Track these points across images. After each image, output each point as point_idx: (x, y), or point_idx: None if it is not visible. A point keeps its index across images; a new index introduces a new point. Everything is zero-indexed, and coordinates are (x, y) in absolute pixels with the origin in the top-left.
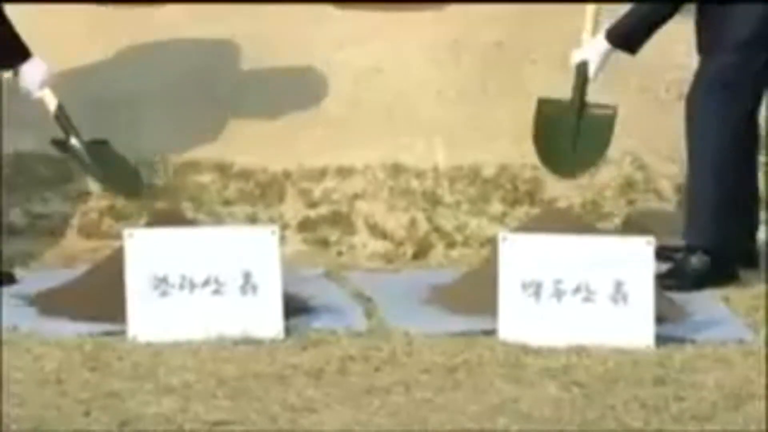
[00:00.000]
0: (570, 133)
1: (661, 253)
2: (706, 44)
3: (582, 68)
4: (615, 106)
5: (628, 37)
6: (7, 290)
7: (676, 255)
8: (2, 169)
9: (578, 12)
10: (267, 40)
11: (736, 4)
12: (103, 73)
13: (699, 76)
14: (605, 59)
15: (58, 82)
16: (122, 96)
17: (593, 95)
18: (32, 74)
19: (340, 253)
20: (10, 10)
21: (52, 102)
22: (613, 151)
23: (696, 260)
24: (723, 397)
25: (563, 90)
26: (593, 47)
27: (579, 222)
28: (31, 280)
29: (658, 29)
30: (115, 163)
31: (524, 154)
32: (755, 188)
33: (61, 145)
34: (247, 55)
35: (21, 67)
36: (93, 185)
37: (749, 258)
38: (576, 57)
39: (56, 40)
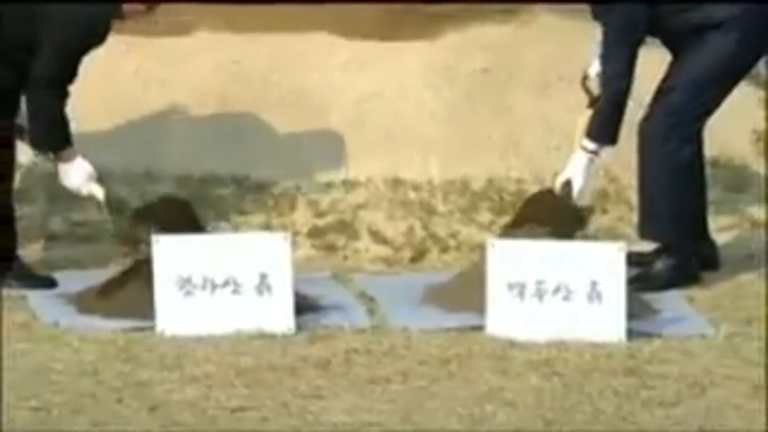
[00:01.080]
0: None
1: (631, 259)
2: (662, 82)
3: (567, 188)
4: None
5: (607, 133)
6: (48, 291)
7: (644, 260)
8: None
9: (557, 39)
10: (278, 66)
11: (695, 49)
12: (130, 95)
13: (652, 110)
14: (588, 172)
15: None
16: (148, 116)
17: (571, 114)
18: (78, 173)
19: (345, 258)
20: None
21: (100, 193)
22: None
23: (662, 264)
24: (687, 385)
25: (544, 110)
26: (574, 165)
27: (562, 203)
28: (71, 281)
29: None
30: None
31: (510, 169)
32: (704, 197)
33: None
34: (260, 79)
35: (66, 166)
36: (126, 196)
37: (710, 261)
38: (560, 179)
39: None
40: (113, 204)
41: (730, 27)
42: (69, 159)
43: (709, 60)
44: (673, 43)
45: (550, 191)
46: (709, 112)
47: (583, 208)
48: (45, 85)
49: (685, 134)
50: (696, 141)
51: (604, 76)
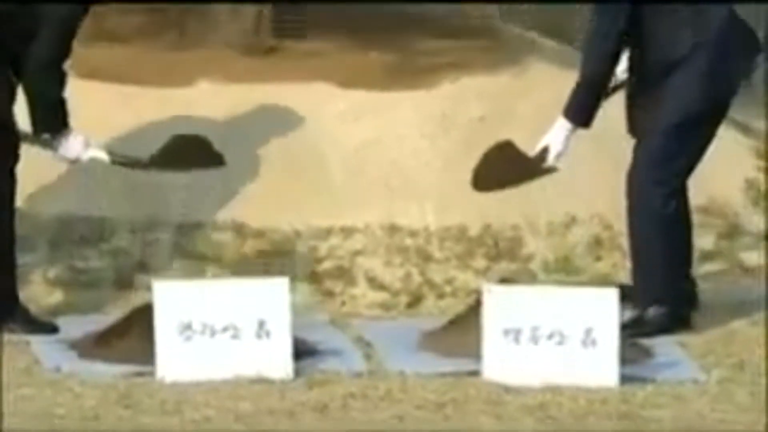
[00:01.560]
0: None
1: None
2: (641, 126)
3: (544, 153)
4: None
5: (581, 113)
6: (50, 336)
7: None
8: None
9: (551, 88)
10: (278, 115)
11: (667, 88)
12: (133, 144)
13: (636, 158)
14: (566, 141)
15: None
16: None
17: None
18: (76, 143)
19: (343, 303)
20: None
21: (102, 154)
22: (583, 213)
23: (655, 310)
24: (681, 430)
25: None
26: (554, 133)
27: (519, 155)
28: (72, 326)
29: (604, 98)
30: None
31: (505, 216)
32: (691, 243)
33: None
34: (260, 128)
35: (64, 141)
36: (126, 243)
37: (689, 297)
38: (540, 144)
39: (87, 116)
40: (119, 159)
41: (694, 60)
42: (66, 135)
43: (682, 97)
44: (646, 86)
45: (509, 143)
46: (692, 160)
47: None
48: (45, 68)
49: (671, 189)
50: (682, 193)
51: (584, 58)
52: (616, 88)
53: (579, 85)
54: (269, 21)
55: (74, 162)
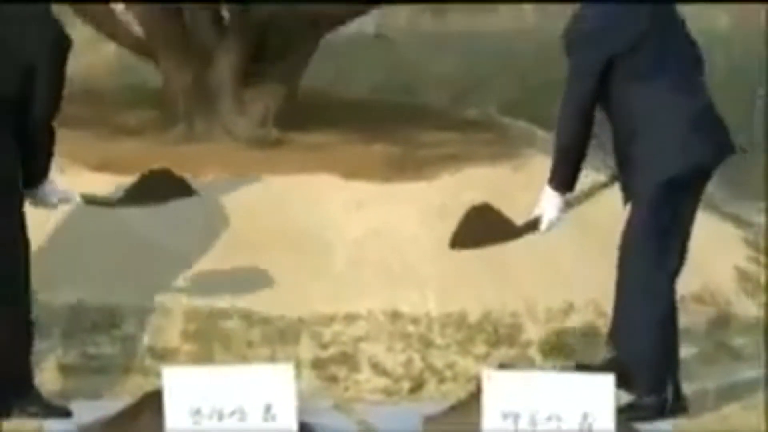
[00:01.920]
0: None
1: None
2: (630, 189)
3: (536, 221)
4: None
5: (562, 181)
6: (63, 420)
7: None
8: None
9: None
10: (284, 205)
11: (649, 146)
12: (139, 229)
13: (623, 246)
14: (556, 209)
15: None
16: (161, 251)
17: (563, 251)
18: (51, 191)
19: (346, 388)
20: None
21: (74, 195)
22: (579, 300)
23: (651, 396)
24: None
25: (537, 247)
26: (544, 203)
27: (499, 217)
28: (85, 411)
29: (582, 162)
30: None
31: (504, 303)
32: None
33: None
34: (267, 218)
35: (43, 190)
36: (137, 330)
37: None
38: (534, 213)
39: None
40: (90, 198)
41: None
42: (43, 183)
43: (667, 158)
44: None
45: (488, 206)
46: (680, 253)
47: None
48: (43, 126)
49: (662, 289)
50: (672, 290)
51: (557, 128)
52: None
53: (556, 155)
54: (275, 114)
55: (52, 207)
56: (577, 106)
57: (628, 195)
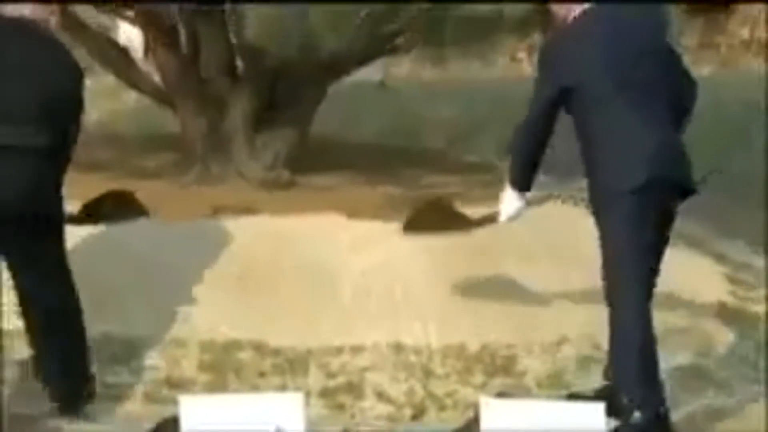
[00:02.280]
0: None
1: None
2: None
3: (495, 215)
4: None
5: (518, 182)
6: None
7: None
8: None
9: (542, 219)
10: (294, 242)
11: (606, 163)
12: (160, 265)
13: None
14: (514, 205)
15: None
16: (180, 285)
17: (556, 285)
18: None
19: (353, 416)
20: None
21: None
22: (574, 333)
23: (639, 417)
24: None
25: (531, 282)
26: (505, 198)
27: (453, 210)
28: None
29: (540, 158)
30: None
31: (501, 335)
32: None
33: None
34: (279, 254)
35: None
36: (156, 360)
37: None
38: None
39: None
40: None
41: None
42: None
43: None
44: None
45: (440, 199)
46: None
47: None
48: (69, 149)
49: (645, 322)
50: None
51: (513, 136)
52: None
53: (511, 158)
54: (285, 158)
55: None
56: (530, 122)
57: (594, 206)
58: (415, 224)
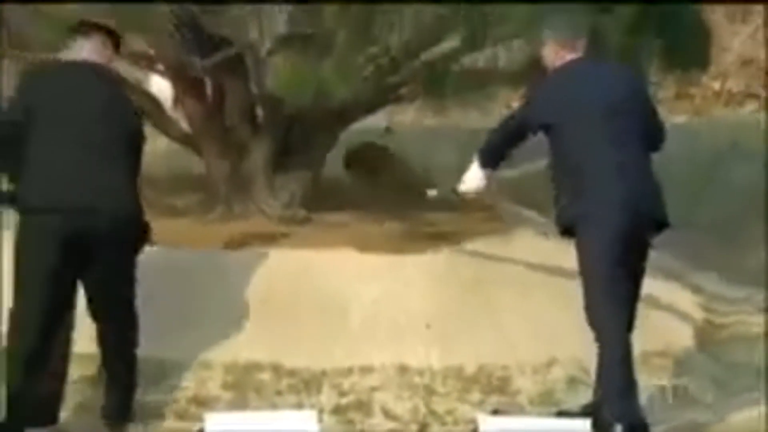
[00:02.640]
0: None
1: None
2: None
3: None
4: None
5: (486, 156)
6: None
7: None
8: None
9: (533, 251)
10: (309, 274)
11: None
12: (191, 293)
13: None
14: (477, 179)
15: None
16: (206, 312)
17: (549, 311)
18: None
19: (362, 430)
20: None
21: None
22: (563, 356)
23: (620, 430)
24: None
25: (525, 309)
26: (470, 171)
27: (387, 153)
28: None
29: (505, 155)
30: None
31: (497, 357)
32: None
33: None
34: (294, 285)
35: None
36: (185, 381)
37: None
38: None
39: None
40: None
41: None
42: None
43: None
44: None
45: (372, 144)
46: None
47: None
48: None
49: (624, 343)
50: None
51: (497, 126)
52: None
53: (485, 144)
54: (301, 197)
55: None
56: (505, 130)
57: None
58: (353, 162)
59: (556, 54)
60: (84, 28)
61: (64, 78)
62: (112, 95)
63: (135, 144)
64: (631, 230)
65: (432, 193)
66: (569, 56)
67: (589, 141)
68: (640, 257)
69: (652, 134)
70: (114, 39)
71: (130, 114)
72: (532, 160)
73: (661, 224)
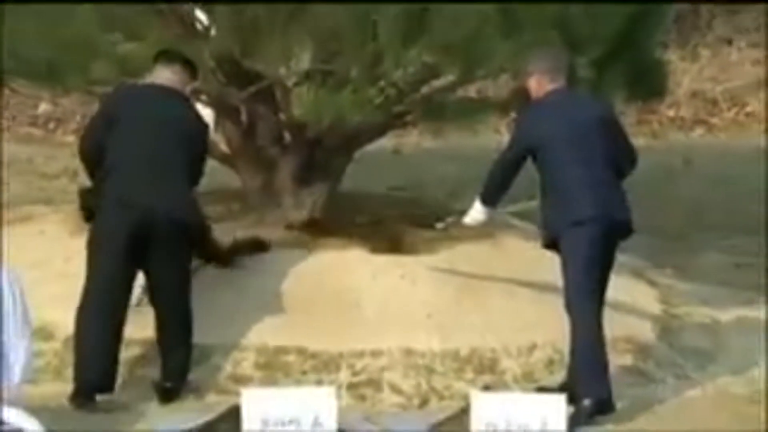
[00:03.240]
0: None
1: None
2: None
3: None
4: None
5: (486, 196)
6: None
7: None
8: None
9: (519, 256)
10: (328, 272)
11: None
12: (227, 287)
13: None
14: (479, 214)
15: None
16: (241, 304)
17: (532, 308)
18: None
19: (373, 404)
20: None
21: None
22: (543, 342)
23: (587, 402)
24: None
25: (511, 305)
26: (473, 208)
27: None
28: (188, 421)
29: (507, 187)
30: None
31: (487, 343)
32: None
33: None
34: (315, 282)
35: None
36: (223, 362)
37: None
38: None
39: None
40: None
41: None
42: None
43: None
44: None
45: None
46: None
47: None
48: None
49: (595, 327)
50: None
51: (492, 166)
52: None
53: (484, 183)
54: (321, 207)
55: None
56: (503, 161)
57: (545, 236)
58: None
59: (539, 85)
60: (164, 57)
61: (143, 97)
62: (181, 114)
63: (197, 156)
64: (602, 237)
65: (440, 225)
66: (550, 86)
67: (565, 162)
68: (609, 256)
69: (622, 156)
70: (190, 68)
71: (196, 131)
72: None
73: (627, 230)
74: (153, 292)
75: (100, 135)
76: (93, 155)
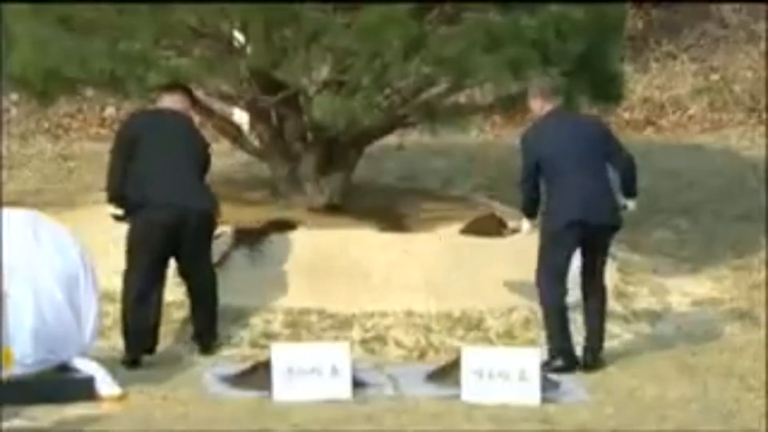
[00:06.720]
0: None
1: None
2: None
3: (518, 228)
4: None
5: (526, 212)
6: (213, 370)
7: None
8: None
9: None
10: (342, 248)
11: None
12: (259, 257)
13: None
14: (528, 225)
15: None
16: (270, 272)
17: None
18: None
19: (381, 356)
20: None
21: None
22: (521, 304)
23: (558, 362)
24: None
25: (497, 274)
26: (523, 221)
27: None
28: (225, 369)
29: (537, 198)
30: None
31: (475, 306)
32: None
33: None
34: (333, 256)
35: None
36: (255, 321)
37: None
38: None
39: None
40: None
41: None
42: None
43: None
44: None
45: (492, 214)
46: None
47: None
48: None
49: (560, 298)
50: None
51: (519, 186)
52: None
53: (521, 202)
54: (338, 193)
55: None
56: (523, 181)
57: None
58: (468, 230)
59: (540, 105)
60: (167, 87)
61: (156, 120)
62: (188, 130)
63: (204, 162)
64: (579, 233)
65: (506, 232)
66: (548, 106)
67: (560, 171)
68: (602, 252)
69: (618, 161)
70: (188, 94)
71: (200, 143)
72: None
73: (612, 229)
74: (183, 269)
75: (123, 163)
76: (120, 186)
